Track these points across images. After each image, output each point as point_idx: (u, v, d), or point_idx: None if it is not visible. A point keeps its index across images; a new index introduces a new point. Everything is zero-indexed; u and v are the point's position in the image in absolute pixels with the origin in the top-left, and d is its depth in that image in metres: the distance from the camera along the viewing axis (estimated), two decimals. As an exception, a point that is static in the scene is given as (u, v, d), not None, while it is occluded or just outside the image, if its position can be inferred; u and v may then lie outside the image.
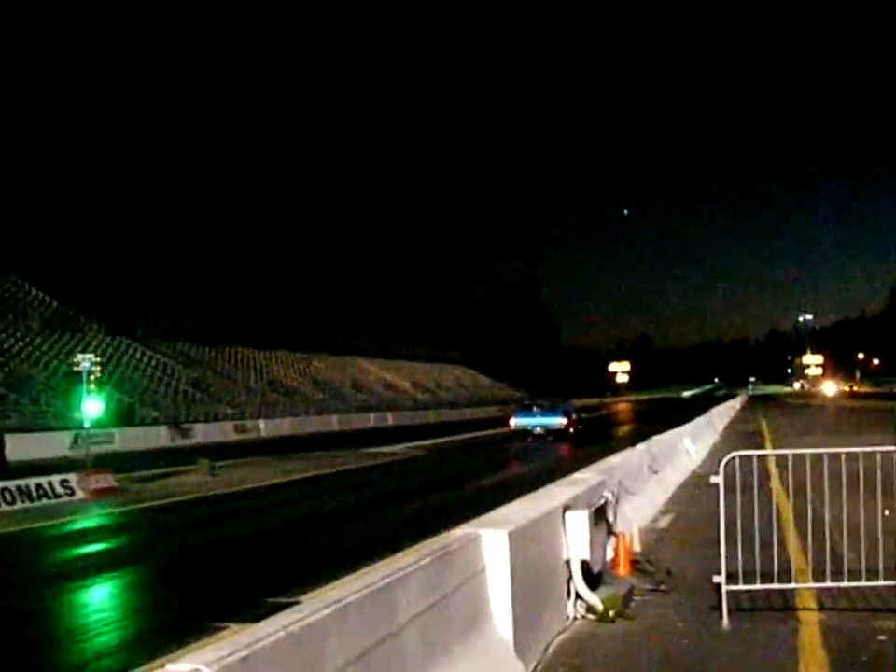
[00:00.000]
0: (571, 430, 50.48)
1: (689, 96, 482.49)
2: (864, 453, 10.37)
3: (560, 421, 50.05)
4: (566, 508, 9.49)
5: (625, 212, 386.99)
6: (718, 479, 9.74)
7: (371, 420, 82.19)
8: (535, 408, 52.96)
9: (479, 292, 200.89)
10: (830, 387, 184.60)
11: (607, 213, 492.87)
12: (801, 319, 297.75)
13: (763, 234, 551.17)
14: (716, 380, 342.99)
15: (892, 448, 10.17)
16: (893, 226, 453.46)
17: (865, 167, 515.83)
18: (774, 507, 11.28)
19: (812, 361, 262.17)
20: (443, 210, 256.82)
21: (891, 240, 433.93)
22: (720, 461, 9.95)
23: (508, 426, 52.18)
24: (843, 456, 10.21)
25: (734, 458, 10.06)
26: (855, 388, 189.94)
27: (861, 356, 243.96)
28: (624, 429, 62.48)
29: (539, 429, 49.56)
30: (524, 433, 49.67)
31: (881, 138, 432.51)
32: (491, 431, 59.84)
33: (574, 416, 52.94)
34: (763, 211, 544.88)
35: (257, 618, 5.38)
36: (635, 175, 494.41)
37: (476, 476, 29.78)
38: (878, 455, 10.26)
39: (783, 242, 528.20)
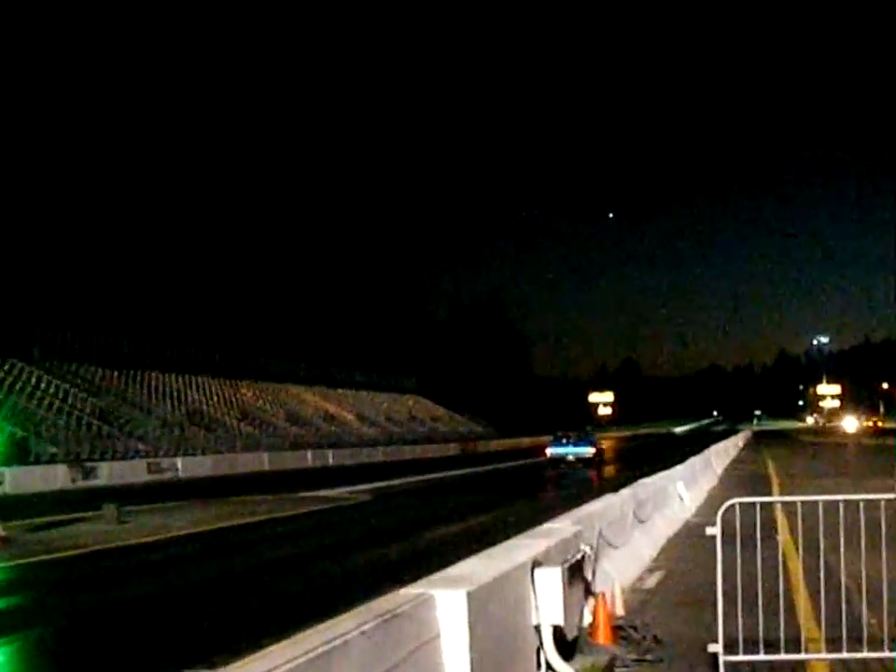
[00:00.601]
0: (597, 458, 67.13)
1: (686, 100, 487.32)
2: (887, 500, 10.38)
3: (589, 450, 66.32)
4: (535, 564, 9.44)
5: (610, 216, 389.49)
6: (715, 530, 9.74)
7: (309, 458, 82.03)
8: (566, 439, 68.34)
9: (438, 311, 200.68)
10: (850, 423, 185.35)
11: (586, 219, 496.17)
12: (815, 342, 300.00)
13: (771, 244, 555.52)
14: (714, 413, 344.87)
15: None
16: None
17: (891, 166, 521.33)
18: (780, 563, 11.24)
19: (828, 392, 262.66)
20: (399, 218, 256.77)
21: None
22: (717, 509, 9.96)
23: (540, 456, 68.96)
24: (861, 504, 10.22)
25: (733, 506, 10.07)
26: (880, 424, 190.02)
27: (885, 385, 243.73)
28: (607, 471, 62.58)
29: (571, 457, 65.63)
30: (556, 461, 65.52)
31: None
32: (452, 472, 59.90)
33: (599, 446, 70.19)
34: (770, 218, 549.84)
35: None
36: (619, 179, 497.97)
37: (431, 526, 29.67)
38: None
39: (795, 253, 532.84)
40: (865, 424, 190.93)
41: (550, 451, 67.43)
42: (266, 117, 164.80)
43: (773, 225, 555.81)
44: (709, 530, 9.82)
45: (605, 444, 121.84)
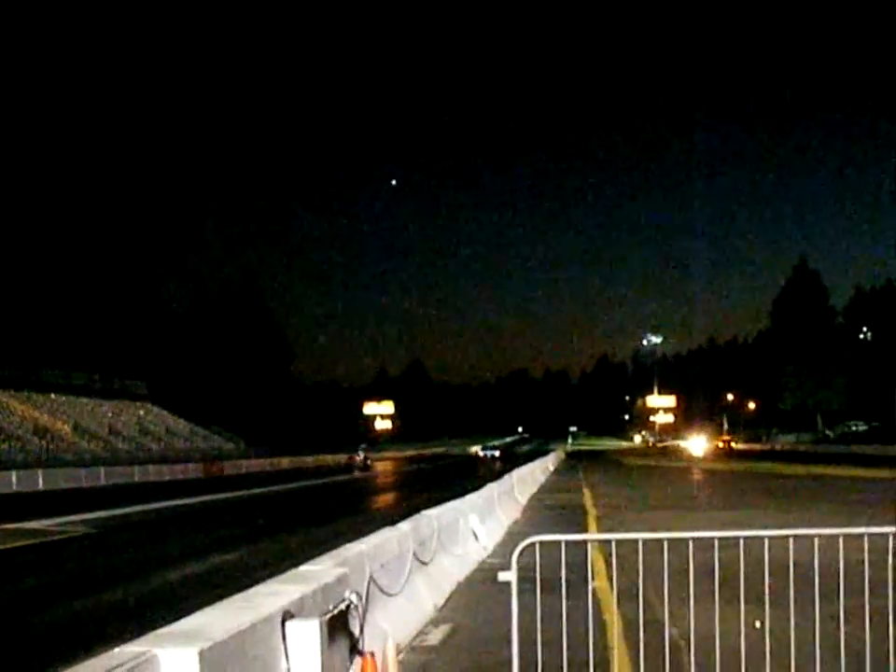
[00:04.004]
0: (502, 455, 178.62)
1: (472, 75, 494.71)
2: (722, 539, 10.42)
3: (497, 453, 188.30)
4: (286, 616, 9.30)
5: (393, 183, 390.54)
6: (509, 575, 9.71)
7: (14, 481, 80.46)
8: (487, 447, 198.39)
9: (175, 299, 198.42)
10: (697, 443, 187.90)
11: (357, 189, 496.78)
12: (645, 343, 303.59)
13: (589, 225, 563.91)
14: (520, 430, 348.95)
15: (761, 532, 10.23)
16: (776, 221, 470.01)
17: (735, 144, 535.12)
18: (593, 616, 11.26)
19: (660, 404, 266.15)
20: (126, 188, 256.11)
21: (777, 237, 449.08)
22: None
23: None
24: (691, 543, 10.25)
25: (533, 545, 10.05)
26: (734, 444, 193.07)
27: (730, 396, 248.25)
28: (383, 501, 62.77)
29: (488, 455, 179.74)
30: (483, 458, 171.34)
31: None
32: (192, 500, 59.45)
33: (503, 450, 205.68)
34: (590, 193, 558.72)
35: None
36: (399, 139, 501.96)
37: (162, 567, 29.29)
38: (742, 542, 10.28)
39: (621, 238, 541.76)
40: (715, 444, 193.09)
41: (480, 453, 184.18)
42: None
43: (591, 202, 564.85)
44: (502, 575, 9.79)
45: (383, 466, 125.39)
